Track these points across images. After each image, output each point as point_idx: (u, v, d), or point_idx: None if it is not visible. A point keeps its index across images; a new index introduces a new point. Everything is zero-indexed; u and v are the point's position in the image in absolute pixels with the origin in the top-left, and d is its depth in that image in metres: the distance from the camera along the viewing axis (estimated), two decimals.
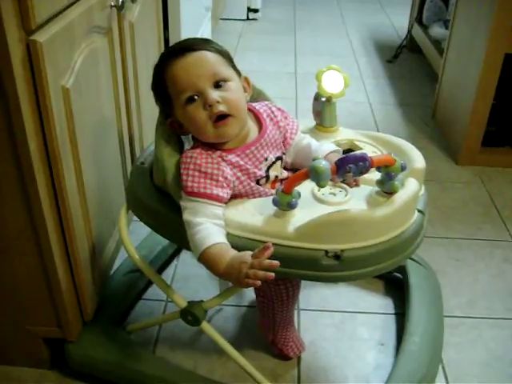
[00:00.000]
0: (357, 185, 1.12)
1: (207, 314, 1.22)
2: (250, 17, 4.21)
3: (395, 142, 1.30)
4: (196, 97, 1.09)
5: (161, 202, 1.19)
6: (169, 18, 2.11)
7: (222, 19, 4.11)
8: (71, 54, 1.14)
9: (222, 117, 1.09)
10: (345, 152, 1.23)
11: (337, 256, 1.04)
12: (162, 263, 1.69)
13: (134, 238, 1.40)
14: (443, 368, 1.43)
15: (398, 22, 4.18)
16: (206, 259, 1.04)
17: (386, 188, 1.06)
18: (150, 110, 1.66)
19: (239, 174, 1.12)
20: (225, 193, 1.09)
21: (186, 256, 1.75)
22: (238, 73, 1.18)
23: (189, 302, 1.22)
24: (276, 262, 0.96)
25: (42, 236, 1.14)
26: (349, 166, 0.96)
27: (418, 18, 3.40)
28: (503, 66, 2.13)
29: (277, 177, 1.19)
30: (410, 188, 1.10)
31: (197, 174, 1.08)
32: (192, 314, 1.20)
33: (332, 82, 1.32)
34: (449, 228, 1.96)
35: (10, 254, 1.18)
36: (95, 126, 1.31)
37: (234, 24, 4.10)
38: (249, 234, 1.07)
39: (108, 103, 1.41)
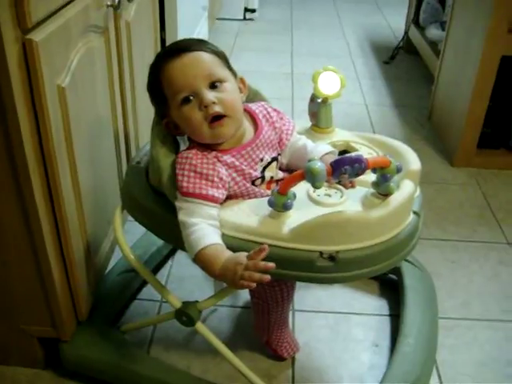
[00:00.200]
0: (352, 186, 1.12)
1: (202, 314, 1.22)
2: (247, 17, 4.20)
3: (391, 144, 1.30)
4: (191, 97, 1.09)
5: (156, 202, 1.19)
6: (165, 17, 2.11)
7: (218, 19, 4.10)
8: (67, 53, 1.14)
9: (218, 117, 1.09)
10: (340, 153, 1.24)
11: (332, 257, 1.04)
12: (157, 263, 1.69)
13: (129, 238, 1.40)
14: (437, 369, 1.43)
15: (394, 23, 4.18)
16: (201, 260, 1.04)
17: (382, 190, 1.07)
18: (145, 110, 1.65)
19: (235, 174, 1.12)
20: (220, 193, 1.09)
21: (180, 256, 1.75)
22: (234, 73, 1.18)
23: (183, 303, 1.22)
24: (271, 264, 0.96)
25: (36, 235, 1.13)
26: (344, 167, 0.96)
27: (415, 20, 3.40)
28: (499, 67, 2.13)
29: (272, 178, 1.19)
30: (405, 190, 1.10)
31: (192, 174, 1.08)
32: (187, 314, 1.20)
33: (328, 83, 1.32)
34: (444, 230, 1.96)
35: (5, 254, 1.18)
36: (91, 126, 1.31)
37: (231, 24, 4.10)
38: (244, 235, 1.07)
39: (104, 103, 1.41)
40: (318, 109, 1.34)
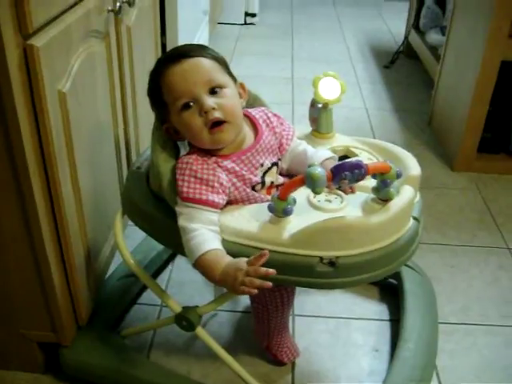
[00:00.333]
0: (352, 192, 1.12)
1: (202, 319, 1.22)
2: (248, 21, 4.21)
3: (391, 149, 1.30)
4: (192, 103, 1.09)
5: (156, 208, 1.19)
6: (166, 21, 2.11)
7: (219, 23, 4.11)
8: (68, 58, 1.14)
9: (218, 123, 1.09)
10: (340, 159, 1.24)
11: (332, 263, 1.04)
12: (157, 268, 1.69)
13: (129, 243, 1.39)
14: (437, 374, 1.43)
15: (395, 28, 4.19)
16: (201, 265, 1.04)
17: (382, 195, 1.07)
18: (146, 115, 1.65)
19: (235, 179, 1.12)
20: (220, 199, 1.09)
21: (180, 261, 1.75)
22: (234, 79, 1.18)
23: (183, 308, 1.22)
24: (272, 270, 0.96)
25: (37, 240, 1.13)
26: (344, 173, 0.96)
27: (415, 24, 3.40)
28: (499, 72, 2.13)
29: (272, 183, 1.19)
30: (405, 195, 1.10)
31: (192, 179, 1.08)
32: (187, 319, 1.20)
33: (328, 89, 1.32)
34: (444, 234, 1.96)
35: (5, 258, 1.18)
36: (91, 131, 1.31)
37: (232, 28, 4.10)
38: (244, 241, 1.07)
39: (105, 108, 1.41)
40: (319, 114, 1.34)
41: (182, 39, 2.39)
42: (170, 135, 1.18)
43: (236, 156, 1.13)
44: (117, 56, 1.47)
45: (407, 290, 1.57)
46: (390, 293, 1.66)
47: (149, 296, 1.60)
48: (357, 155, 1.28)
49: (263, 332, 1.37)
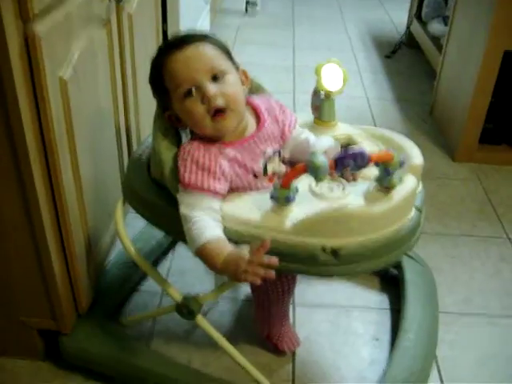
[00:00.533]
0: (355, 180, 1.11)
1: (202, 307, 1.22)
2: (249, 10, 4.19)
3: (393, 138, 1.30)
4: (194, 90, 1.08)
5: (158, 195, 1.18)
6: (167, 10, 2.10)
7: (220, 12, 4.09)
8: (69, 45, 1.13)
9: (220, 110, 1.08)
10: (343, 147, 1.23)
11: (334, 251, 1.03)
12: (158, 256, 1.69)
13: (130, 231, 1.39)
14: (437, 365, 1.43)
15: (396, 18, 4.17)
16: (202, 253, 1.03)
17: (384, 184, 1.06)
18: (147, 103, 1.64)
19: (237, 167, 1.12)
20: (222, 186, 1.09)
21: (181, 249, 1.74)
22: (236, 66, 1.17)
23: (184, 296, 1.22)
24: (275, 259, 0.95)
25: (37, 228, 1.13)
26: (347, 161, 0.96)
27: (417, 14, 3.39)
28: (502, 63, 2.12)
29: (274, 171, 1.19)
30: (408, 184, 1.10)
31: (194, 167, 1.07)
32: (187, 307, 1.20)
33: (331, 77, 1.31)
34: (445, 225, 1.96)
35: (5, 246, 1.18)
36: (92, 118, 1.30)
37: (233, 17, 4.08)
38: (246, 229, 1.06)
39: (106, 95, 1.40)
40: (321, 102, 1.33)
41: (184, 28, 2.37)
42: (171, 123, 1.17)
43: (238, 144, 1.13)
44: (118, 43, 1.46)
45: (408, 279, 1.57)
46: (391, 282, 1.66)
47: (149, 284, 1.60)
48: (359, 144, 1.28)
49: (264, 321, 1.37)
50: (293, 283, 1.29)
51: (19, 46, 0.95)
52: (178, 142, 1.18)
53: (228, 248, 1.01)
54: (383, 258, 1.09)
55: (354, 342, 1.49)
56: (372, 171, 1.08)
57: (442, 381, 1.40)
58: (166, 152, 1.13)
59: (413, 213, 1.14)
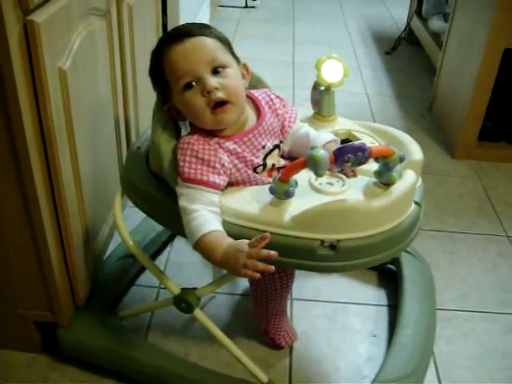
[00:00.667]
0: (354, 175, 1.11)
1: (200, 301, 1.22)
2: (249, 4, 4.17)
3: (393, 134, 1.29)
4: (194, 83, 1.08)
5: (156, 188, 1.18)
6: (167, 2, 2.09)
7: (220, 6, 4.08)
8: (69, 35, 1.13)
9: (220, 103, 1.08)
10: (342, 142, 1.23)
11: (333, 246, 1.03)
12: (156, 249, 1.69)
13: (129, 224, 1.39)
14: (434, 361, 1.43)
15: (397, 14, 4.16)
16: (201, 247, 1.03)
17: (384, 179, 1.06)
18: (146, 95, 1.64)
19: (236, 161, 1.11)
20: (221, 180, 1.08)
21: (179, 243, 1.74)
22: (237, 59, 1.17)
23: (182, 289, 1.21)
24: (274, 253, 0.95)
25: (35, 220, 1.13)
26: (347, 155, 0.96)
27: (418, 11, 3.38)
28: (502, 60, 2.12)
29: (274, 165, 1.18)
30: (407, 179, 1.09)
31: (194, 160, 1.07)
32: (185, 301, 1.19)
33: (331, 72, 1.31)
34: (443, 221, 1.96)
35: (3, 238, 1.17)
36: (92, 110, 1.30)
37: (233, 11, 4.07)
38: (245, 222, 1.06)
39: (105, 87, 1.40)
40: (321, 97, 1.33)
41: (183, 21, 2.37)
42: (171, 115, 1.16)
43: (238, 137, 1.12)
44: (118, 34, 1.45)
45: (406, 275, 1.57)
46: (389, 278, 1.66)
47: (147, 277, 1.59)
48: (359, 139, 1.27)
49: (261, 315, 1.37)
50: (291, 278, 1.29)
51: (18, 36, 0.95)
52: (177, 135, 1.18)
53: (227, 241, 1.01)
54: (383, 253, 1.09)
55: (351, 337, 1.49)
56: (371, 166, 1.07)
57: (439, 377, 1.40)
58: (166, 144, 1.13)
59: (412, 208, 1.13)
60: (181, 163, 1.07)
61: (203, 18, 3.09)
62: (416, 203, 1.15)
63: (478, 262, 1.78)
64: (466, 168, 2.29)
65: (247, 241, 0.98)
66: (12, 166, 1.06)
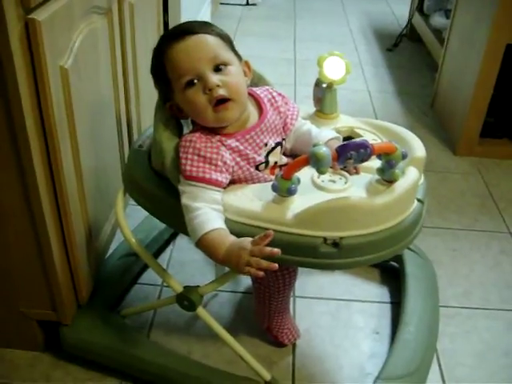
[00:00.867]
0: (357, 172, 1.11)
1: (203, 299, 1.22)
2: (250, 2, 4.17)
3: (395, 130, 1.29)
4: (196, 81, 1.08)
5: (158, 186, 1.18)
6: (169, 0, 2.09)
7: (221, 4, 4.08)
8: (70, 34, 1.13)
9: (222, 101, 1.08)
10: (345, 139, 1.22)
11: (335, 243, 1.03)
12: (158, 247, 1.69)
13: (131, 222, 1.38)
14: (438, 358, 1.43)
15: (398, 11, 4.15)
16: (204, 245, 1.03)
17: (387, 176, 1.05)
18: (148, 93, 1.64)
19: (238, 159, 1.11)
20: (224, 178, 1.08)
21: (182, 241, 1.74)
22: (239, 57, 1.16)
23: (185, 287, 1.21)
24: (277, 250, 0.95)
25: (37, 218, 1.13)
26: (350, 152, 0.95)
27: (419, 7, 3.38)
28: (504, 56, 2.11)
29: (276, 163, 1.18)
30: (410, 176, 1.09)
31: (196, 158, 1.07)
32: (188, 298, 1.19)
33: (333, 69, 1.31)
34: (445, 218, 1.96)
35: (5, 236, 1.17)
36: (93, 108, 1.30)
37: (234, 9, 4.07)
38: (247, 220, 1.06)
39: (106, 85, 1.40)
40: (323, 94, 1.33)
41: (185, 19, 2.36)
42: (173, 113, 1.16)
43: (240, 135, 1.12)
44: (119, 33, 1.45)
45: (409, 272, 1.57)
46: (392, 275, 1.66)
47: (150, 275, 1.59)
48: (361, 136, 1.27)
49: (264, 313, 1.37)
50: (294, 276, 1.29)
51: (20, 35, 0.95)
52: (179, 133, 1.17)
53: (230, 239, 1.01)
54: (385, 251, 1.08)
55: (354, 335, 1.49)
56: (374, 163, 1.07)
57: (442, 374, 1.40)
58: (168, 142, 1.13)
59: (415, 205, 1.13)
60: (183, 161, 1.07)
61: (204, 15, 3.09)
62: (418, 200, 1.15)
63: (481, 259, 1.78)
64: (468, 165, 2.28)
65: (250, 238, 0.97)
66: (13, 162, 1.06)
